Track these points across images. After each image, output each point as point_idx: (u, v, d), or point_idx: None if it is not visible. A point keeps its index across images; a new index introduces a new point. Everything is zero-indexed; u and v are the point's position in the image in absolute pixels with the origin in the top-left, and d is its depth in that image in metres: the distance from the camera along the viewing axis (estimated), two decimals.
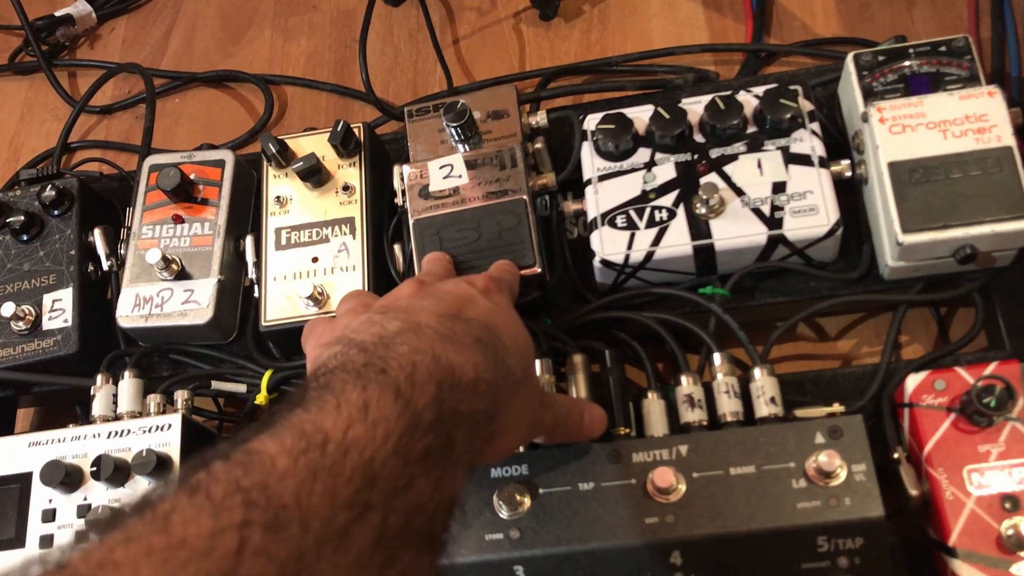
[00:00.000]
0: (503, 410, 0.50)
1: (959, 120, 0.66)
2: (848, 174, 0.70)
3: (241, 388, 0.76)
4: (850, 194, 0.71)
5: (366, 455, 0.39)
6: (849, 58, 0.72)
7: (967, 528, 0.59)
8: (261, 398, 0.74)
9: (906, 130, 0.67)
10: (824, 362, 0.75)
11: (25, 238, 0.81)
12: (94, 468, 0.67)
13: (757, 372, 0.64)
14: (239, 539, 0.34)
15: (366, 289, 0.72)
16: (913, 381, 0.63)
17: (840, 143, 0.73)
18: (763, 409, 0.63)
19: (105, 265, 0.80)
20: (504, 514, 0.61)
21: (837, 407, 0.63)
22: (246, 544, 0.34)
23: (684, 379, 0.65)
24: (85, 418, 0.83)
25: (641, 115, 0.72)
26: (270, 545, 0.34)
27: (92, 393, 0.74)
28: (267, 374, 0.74)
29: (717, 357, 0.66)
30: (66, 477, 0.67)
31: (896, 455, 0.62)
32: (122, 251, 0.80)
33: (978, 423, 0.60)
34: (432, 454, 0.42)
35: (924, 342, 0.74)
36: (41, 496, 0.69)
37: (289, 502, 0.36)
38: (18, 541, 0.68)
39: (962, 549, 0.58)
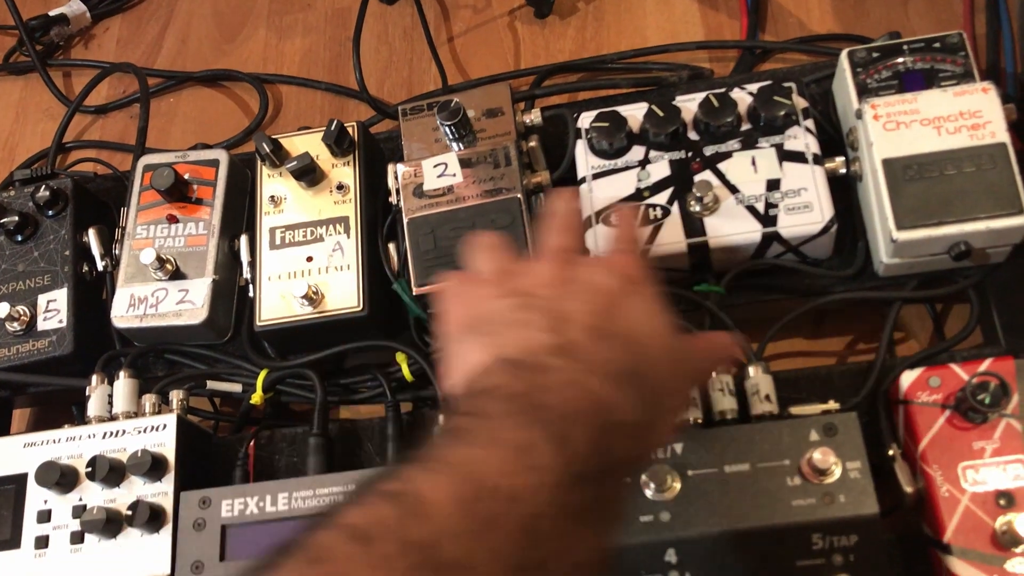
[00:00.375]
0: (653, 442, 0.48)
1: (953, 116, 0.66)
2: (843, 171, 0.70)
3: (237, 388, 0.76)
4: (845, 191, 0.71)
5: (529, 508, 0.36)
6: (843, 55, 0.72)
7: (962, 525, 0.59)
8: (256, 398, 0.74)
9: (900, 127, 0.67)
10: (819, 359, 0.75)
11: (19, 239, 0.80)
12: (89, 469, 0.67)
13: (752, 370, 0.64)
14: None
15: (363, 288, 0.72)
16: (908, 378, 0.63)
17: (835, 140, 0.73)
18: (758, 407, 0.63)
19: (100, 265, 0.80)
20: None
21: (832, 404, 0.63)
22: None
23: None
24: (81, 418, 0.82)
25: (635, 113, 0.72)
26: None
27: (87, 394, 0.74)
28: (262, 374, 0.74)
29: None
30: (61, 478, 0.67)
31: (891, 452, 0.62)
32: (117, 251, 0.80)
33: (973, 420, 0.60)
34: (595, 506, 0.39)
35: (920, 339, 0.74)
36: (36, 497, 0.68)
37: (452, 563, 0.34)
38: (13, 542, 0.68)
39: (957, 546, 0.58)
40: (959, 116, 0.66)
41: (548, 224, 0.54)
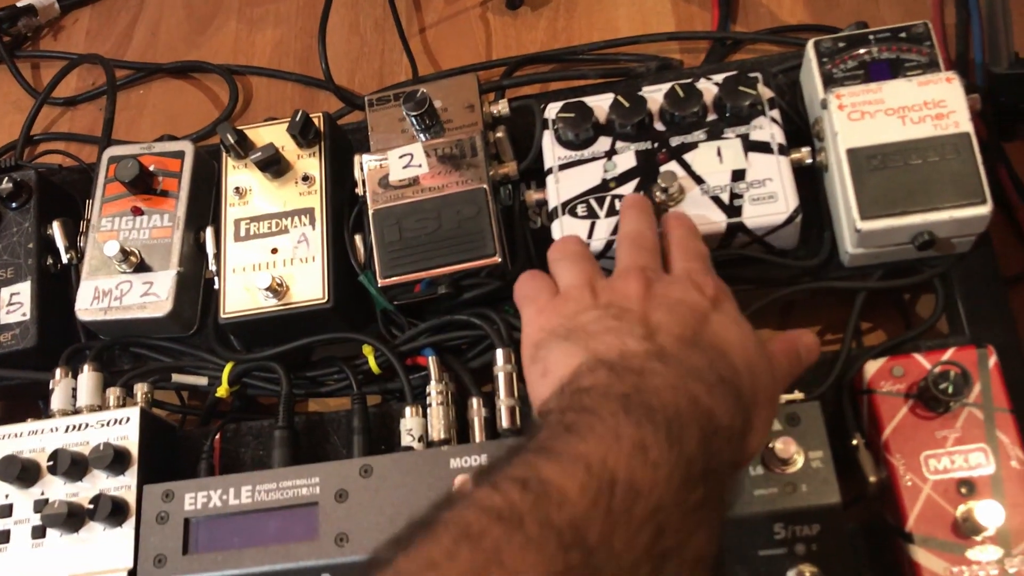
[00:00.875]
0: (748, 450, 0.47)
1: (917, 106, 0.66)
2: (808, 161, 0.70)
3: (202, 381, 0.76)
4: (811, 182, 0.71)
5: (652, 501, 0.37)
6: (809, 45, 0.72)
7: (924, 513, 0.59)
8: (222, 391, 0.74)
9: (865, 116, 0.67)
10: None
11: None
12: (51, 462, 0.67)
13: None
14: None
15: (328, 279, 0.71)
16: (871, 367, 0.63)
17: (802, 131, 0.73)
18: None
19: (64, 258, 0.80)
20: None
21: (797, 394, 0.63)
22: None
23: None
24: (48, 413, 0.82)
25: (602, 104, 0.72)
26: None
27: (51, 387, 0.73)
28: (228, 367, 0.74)
29: None
30: (22, 472, 0.67)
31: (855, 442, 0.62)
32: (81, 244, 0.79)
33: (935, 409, 0.61)
34: (706, 505, 0.40)
35: (887, 329, 0.74)
36: None
37: (596, 546, 0.35)
38: None
39: (919, 534, 0.58)
40: (923, 106, 0.66)
41: (626, 243, 0.58)
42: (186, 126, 0.97)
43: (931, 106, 0.66)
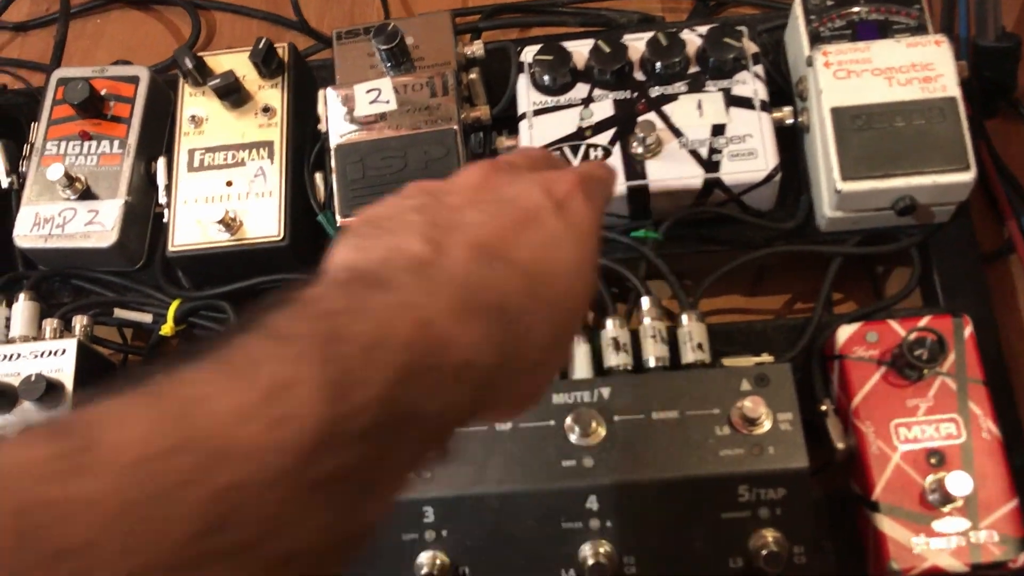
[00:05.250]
0: (494, 398, 0.36)
1: (905, 68, 0.64)
2: (790, 121, 0.68)
3: (147, 318, 0.72)
4: (791, 144, 0.69)
5: (236, 475, 0.26)
6: (796, 1, 0.69)
7: (891, 483, 0.57)
8: (167, 329, 0.70)
9: (851, 75, 0.65)
10: (755, 316, 0.73)
11: None
12: None
13: (685, 317, 0.62)
14: None
15: (284, 216, 0.68)
16: (845, 332, 0.61)
17: (784, 92, 0.71)
18: (690, 355, 0.61)
19: (4, 182, 0.75)
20: None
21: (767, 357, 0.61)
22: None
23: (610, 322, 0.62)
24: None
25: (581, 49, 0.69)
26: None
27: None
28: (174, 304, 0.70)
29: (645, 301, 0.63)
30: None
31: (824, 407, 0.61)
32: (23, 168, 0.74)
33: (908, 377, 0.59)
34: (350, 476, 0.29)
35: (858, 299, 0.72)
36: None
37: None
38: None
39: (885, 503, 0.57)
40: (911, 68, 0.64)
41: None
42: (143, 59, 0.91)
43: (919, 68, 0.64)
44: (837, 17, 0.68)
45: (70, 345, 0.65)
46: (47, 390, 0.62)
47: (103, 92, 0.74)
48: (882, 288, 0.73)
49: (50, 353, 0.65)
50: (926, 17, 0.67)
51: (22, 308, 0.69)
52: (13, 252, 0.73)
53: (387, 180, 0.66)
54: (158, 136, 0.76)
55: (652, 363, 0.61)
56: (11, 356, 0.65)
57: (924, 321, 0.60)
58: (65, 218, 0.71)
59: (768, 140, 0.65)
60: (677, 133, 0.66)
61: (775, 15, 0.76)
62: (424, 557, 0.57)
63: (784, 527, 0.56)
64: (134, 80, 0.75)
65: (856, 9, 0.68)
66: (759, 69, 0.68)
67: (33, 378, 0.63)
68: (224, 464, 0.26)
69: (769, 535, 0.55)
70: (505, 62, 0.74)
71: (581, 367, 0.62)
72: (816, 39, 0.68)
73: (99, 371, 0.68)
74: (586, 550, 0.56)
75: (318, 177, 0.71)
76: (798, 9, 0.69)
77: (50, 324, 0.68)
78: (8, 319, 0.69)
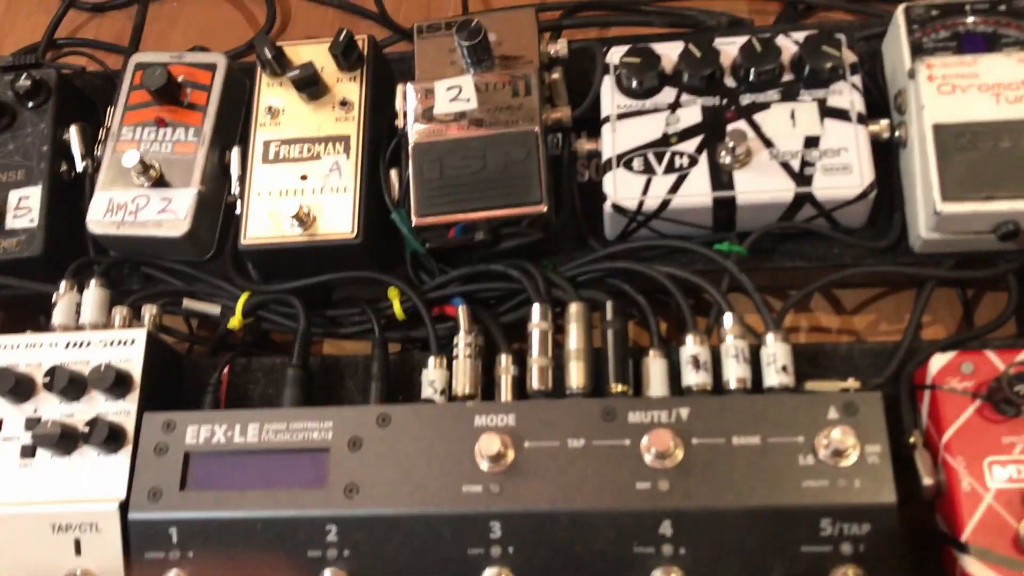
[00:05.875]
0: None
1: (1015, 84, 0.61)
2: (886, 135, 0.65)
3: (215, 309, 0.71)
4: (884, 158, 0.66)
5: None
6: (899, 10, 0.66)
7: (983, 523, 0.54)
8: (235, 321, 0.69)
9: (956, 90, 0.61)
10: (839, 336, 0.70)
11: None
12: (47, 379, 0.63)
13: (770, 337, 0.59)
14: None
15: (358, 213, 0.67)
16: (938, 362, 0.58)
17: (879, 104, 0.68)
18: (773, 378, 0.59)
19: (80, 166, 0.75)
20: (484, 466, 0.56)
21: (852, 383, 0.59)
22: None
23: (690, 338, 0.60)
24: (48, 328, 0.78)
25: (670, 52, 0.67)
26: None
27: (54, 300, 0.69)
28: (243, 296, 0.69)
29: (728, 318, 0.61)
30: (16, 386, 0.63)
31: (912, 439, 0.58)
32: (98, 153, 0.74)
33: (1005, 412, 0.56)
34: None
35: (946, 325, 0.69)
36: None
37: None
38: None
39: (975, 546, 0.54)
40: (1022, 85, 0.61)
41: None
42: (218, 44, 0.91)
43: None
44: (942, 28, 0.65)
45: (140, 336, 0.65)
46: (116, 380, 0.62)
47: (180, 79, 0.74)
48: (973, 312, 0.69)
49: (120, 343, 0.65)
50: None
51: (93, 295, 0.68)
52: (84, 236, 0.73)
53: (465, 181, 0.65)
54: (232, 125, 0.75)
55: (733, 384, 0.59)
56: (81, 344, 0.65)
57: None
58: (138, 205, 0.70)
59: (864, 155, 0.63)
60: (768, 143, 0.64)
61: (873, 22, 0.73)
62: (489, 573, 0.56)
63: (868, 564, 0.53)
64: (211, 67, 0.75)
65: (963, 20, 0.65)
66: (857, 80, 0.65)
67: (103, 368, 0.62)
68: None
69: (851, 572, 0.53)
70: (588, 61, 0.71)
71: (658, 385, 0.60)
72: (918, 50, 0.64)
73: (167, 362, 0.68)
74: None
75: (393, 174, 0.69)
76: (900, 18, 0.66)
77: (120, 312, 0.68)
78: (79, 304, 0.69)
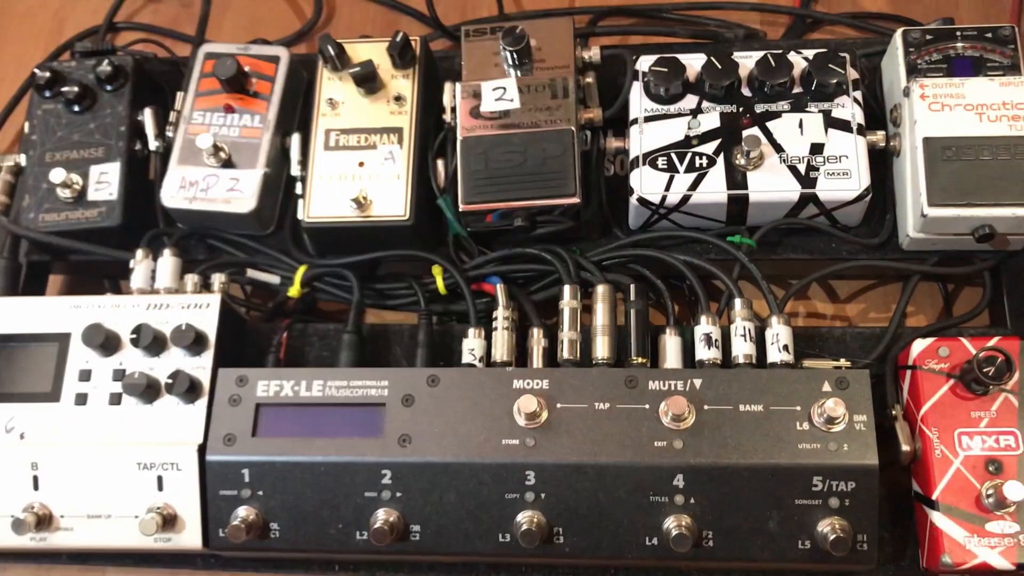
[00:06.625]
0: None
1: (996, 105, 0.69)
2: (882, 145, 0.73)
3: (275, 279, 0.79)
4: (880, 165, 0.74)
5: None
6: (898, 34, 0.74)
7: (951, 484, 0.63)
8: (294, 291, 0.77)
9: (944, 108, 0.70)
10: (833, 321, 0.79)
11: (77, 109, 0.82)
12: (134, 336, 0.70)
13: (774, 319, 0.68)
14: None
15: (411, 198, 0.75)
16: (919, 346, 0.67)
17: (875, 115, 0.76)
18: (775, 355, 0.67)
19: (153, 145, 0.82)
20: (521, 423, 0.65)
21: (844, 362, 0.67)
22: None
23: (704, 318, 0.69)
24: (114, 291, 0.85)
25: (692, 63, 0.75)
26: None
27: (131, 266, 0.77)
28: (301, 269, 0.77)
29: (738, 303, 0.69)
30: (105, 341, 0.70)
31: (894, 412, 0.66)
32: (170, 133, 0.82)
33: (975, 391, 0.64)
34: None
35: (928, 315, 0.78)
36: (79, 356, 0.71)
37: None
38: (53, 395, 0.71)
39: (943, 503, 0.63)
40: (1002, 106, 0.69)
41: None
42: (267, 33, 0.98)
43: (1009, 107, 0.69)
44: (935, 51, 0.73)
45: (215, 300, 0.73)
46: (195, 339, 0.70)
47: (246, 69, 0.81)
48: (952, 304, 0.78)
49: (196, 306, 0.72)
50: (1020, 57, 0.72)
51: (167, 262, 0.76)
52: (154, 209, 0.81)
53: (507, 173, 0.73)
54: (291, 113, 0.83)
55: (740, 359, 0.67)
56: (160, 306, 0.73)
57: (994, 341, 0.66)
58: (209, 183, 0.78)
59: (862, 162, 0.71)
60: (778, 148, 0.72)
61: (872, 41, 0.81)
62: (523, 516, 0.64)
63: (851, 517, 0.62)
64: (275, 59, 0.82)
65: (953, 45, 0.73)
66: (858, 95, 0.73)
67: (184, 327, 0.70)
68: None
69: (837, 522, 0.62)
70: (616, 66, 0.79)
71: (673, 360, 0.68)
72: (912, 71, 0.73)
73: (234, 324, 0.75)
74: (670, 522, 0.62)
75: (439, 163, 0.77)
76: (898, 40, 0.74)
77: (191, 279, 0.76)
78: (154, 271, 0.76)
